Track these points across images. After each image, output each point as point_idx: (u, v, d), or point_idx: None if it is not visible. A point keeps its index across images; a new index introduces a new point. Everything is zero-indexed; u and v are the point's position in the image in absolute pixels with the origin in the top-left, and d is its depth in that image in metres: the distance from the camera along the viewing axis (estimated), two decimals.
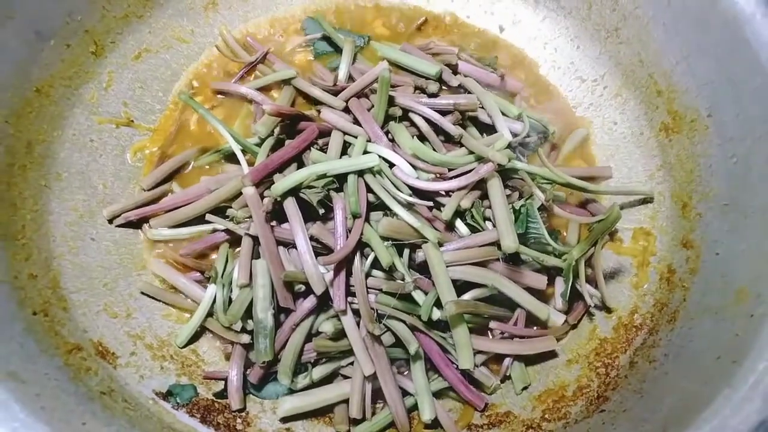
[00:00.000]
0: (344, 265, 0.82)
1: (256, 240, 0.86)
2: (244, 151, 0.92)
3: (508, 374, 0.89)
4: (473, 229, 0.86)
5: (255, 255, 0.87)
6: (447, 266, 0.82)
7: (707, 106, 0.91)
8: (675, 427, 0.64)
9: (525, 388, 0.89)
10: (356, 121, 0.94)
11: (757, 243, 0.78)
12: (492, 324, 0.88)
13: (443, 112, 0.95)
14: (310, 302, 0.84)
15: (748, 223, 0.81)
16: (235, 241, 0.91)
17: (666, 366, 0.79)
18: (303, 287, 0.83)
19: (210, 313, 0.88)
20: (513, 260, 0.87)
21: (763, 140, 0.82)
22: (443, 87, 1.02)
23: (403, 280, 0.82)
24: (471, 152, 0.89)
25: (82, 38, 0.96)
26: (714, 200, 0.88)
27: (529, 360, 0.90)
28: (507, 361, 0.89)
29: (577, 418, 0.82)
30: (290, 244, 0.85)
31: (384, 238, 0.81)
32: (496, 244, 0.83)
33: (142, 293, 0.91)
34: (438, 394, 0.86)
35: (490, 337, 0.89)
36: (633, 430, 0.72)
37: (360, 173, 0.85)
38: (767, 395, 0.63)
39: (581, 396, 0.86)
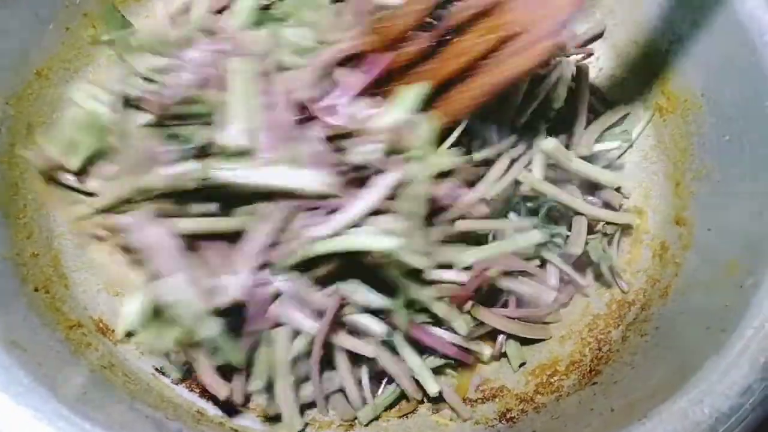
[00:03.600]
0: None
1: None
2: None
3: (503, 351, 0.90)
4: None
5: None
6: None
7: (700, 85, 0.92)
8: (663, 393, 0.65)
9: (522, 365, 0.90)
10: None
11: (748, 216, 0.79)
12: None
13: None
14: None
15: (740, 198, 0.82)
16: None
17: (657, 338, 0.81)
18: None
19: None
20: None
21: (755, 118, 0.83)
22: None
23: None
24: None
25: (81, 22, 0.97)
26: (707, 178, 0.89)
27: (524, 338, 0.91)
28: (501, 338, 0.90)
29: (569, 391, 0.84)
30: None
31: None
32: None
33: None
34: None
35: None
36: (623, 398, 0.73)
37: None
38: (754, 361, 0.64)
39: (574, 370, 0.87)
